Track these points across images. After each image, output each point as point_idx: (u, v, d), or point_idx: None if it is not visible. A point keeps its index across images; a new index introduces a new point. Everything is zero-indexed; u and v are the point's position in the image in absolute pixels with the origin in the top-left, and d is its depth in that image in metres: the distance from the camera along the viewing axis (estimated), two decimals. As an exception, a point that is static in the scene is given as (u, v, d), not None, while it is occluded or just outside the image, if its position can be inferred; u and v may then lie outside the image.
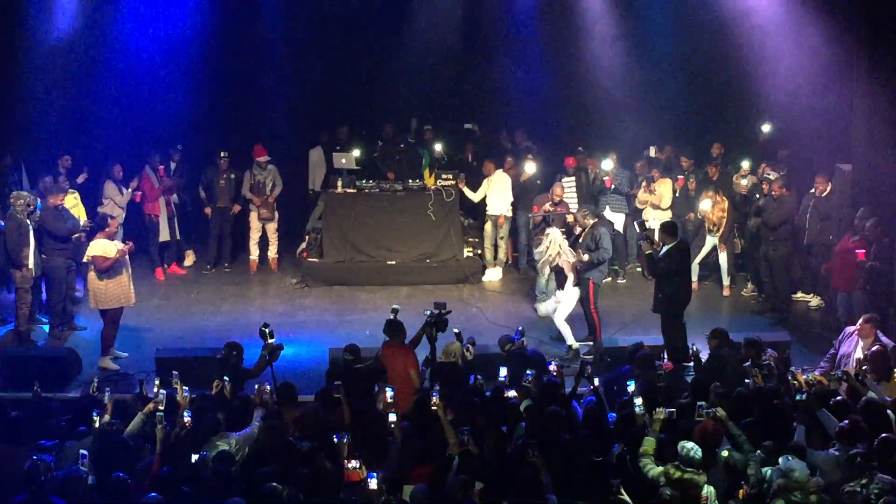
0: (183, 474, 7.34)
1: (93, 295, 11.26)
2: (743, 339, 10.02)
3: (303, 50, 16.32)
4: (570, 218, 12.74)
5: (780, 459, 7.36)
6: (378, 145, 15.68)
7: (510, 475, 7.38)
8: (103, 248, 11.13)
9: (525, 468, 7.14)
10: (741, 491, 6.95)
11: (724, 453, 7.51)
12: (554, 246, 11.70)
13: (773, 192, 12.90)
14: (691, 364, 10.13)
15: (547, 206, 13.09)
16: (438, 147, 15.49)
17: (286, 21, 15.99)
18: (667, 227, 11.21)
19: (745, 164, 14.05)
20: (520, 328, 10.44)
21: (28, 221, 11.74)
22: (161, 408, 8.06)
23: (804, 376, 9.01)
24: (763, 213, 13.02)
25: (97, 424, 8.06)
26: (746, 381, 9.04)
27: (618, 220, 14.54)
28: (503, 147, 15.69)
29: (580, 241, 11.69)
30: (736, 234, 14.02)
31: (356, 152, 15.03)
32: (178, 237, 14.78)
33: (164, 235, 14.52)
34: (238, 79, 16.24)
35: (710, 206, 13.53)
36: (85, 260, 11.29)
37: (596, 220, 11.88)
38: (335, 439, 7.45)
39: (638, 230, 14.18)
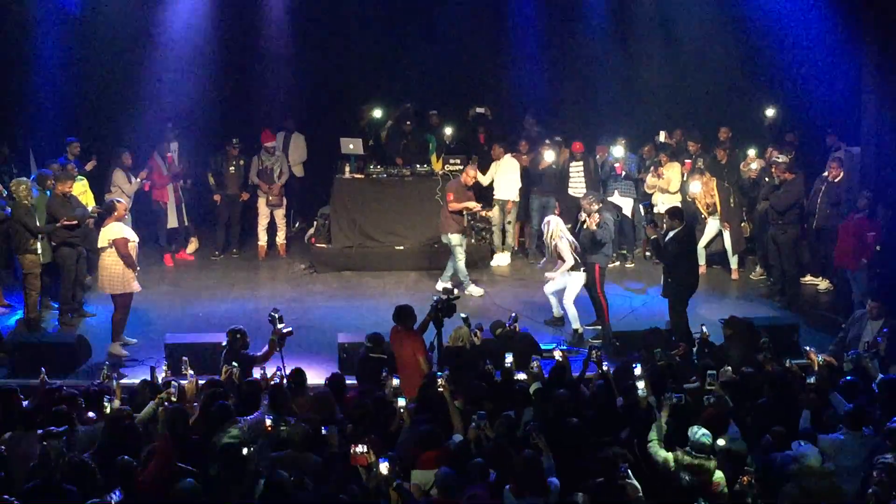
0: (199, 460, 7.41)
1: (107, 279, 11.15)
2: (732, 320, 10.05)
3: (310, 35, 16.28)
4: (488, 212, 12.85)
5: (793, 444, 7.36)
6: (385, 129, 15.68)
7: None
8: (121, 230, 11.12)
9: (527, 450, 7.14)
10: (744, 478, 6.94)
11: (721, 441, 7.49)
12: (554, 234, 11.70)
13: (778, 176, 12.86)
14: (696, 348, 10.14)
15: (470, 205, 13.18)
16: (448, 131, 15.46)
17: (294, 5, 15.96)
18: (673, 213, 11.21)
19: (752, 153, 13.94)
20: (512, 314, 10.50)
21: (32, 208, 11.76)
22: (174, 398, 8.09)
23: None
24: (771, 197, 12.98)
25: (108, 411, 8.07)
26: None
27: (626, 204, 14.51)
28: (522, 132, 15.59)
29: (584, 227, 11.67)
30: (744, 217, 14.00)
31: (378, 112, 15.05)
32: (187, 223, 14.80)
33: (172, 222, 14.54)
34: (246, 65, 16.22)
35: (699, 188, 13.49)
36: (103, 245, 11.18)
37: (601, 206, 11.86)
38: (324, 431, 7.37)
39: (643, 213, 14.22)
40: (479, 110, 16.14)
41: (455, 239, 13.20)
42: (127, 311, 11.37)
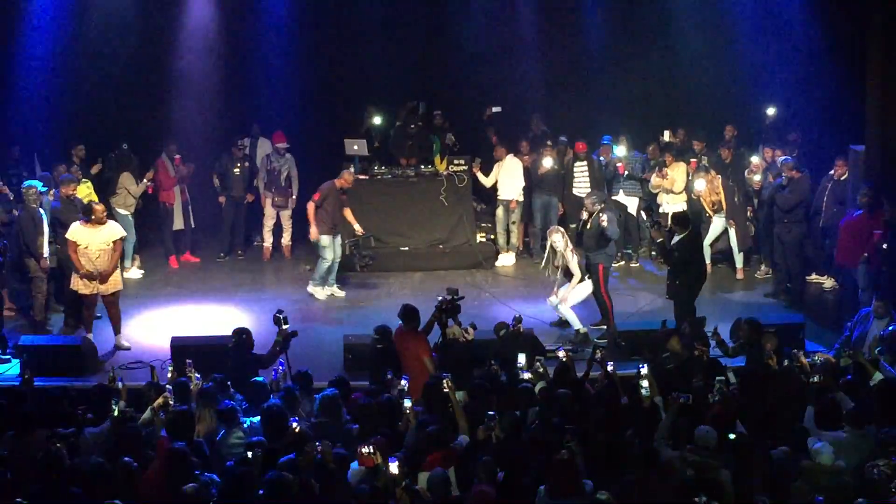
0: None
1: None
2: (745, 319, 10.03)
3: (314, 35, 16.29)
4: (360, 232, 13.23)
5: (809, 441, 7.38)
6: (391, 128, 15.66)
7: (526, 459, 7.41)
8: (75, 234, 11.21)
9: (563, 452, 7.14)
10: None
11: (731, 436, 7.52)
12: (566, 249, 11.66)
13: (785, 175, 12.82)
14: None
15: (357, 228, 13.17)
16: (451, 136, 15.45)
17: (299, 4, 15.98)
18: (678, 219, 11.22)
19: (755, 160, 13.90)
20: (516, 314, 10.48)
21: (41, 211, 11.81)
22: (171, 401, 8.10)
23: (810, 359, 9.04)
24: (777, 197, 12.92)
25: (116, 412, 8.10)
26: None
27: (631, 203, 14.50)
28: (528, 131, 15.59)
29: (587, 226, 11.67)
30: (749, 217, 13.96)
31: (378, 119, 15.08)
32: (193, 225, 14.81)
33: (178, 224, 14.54)
34: (251, 65, 16.23)
35: (703, 185, 13.46)
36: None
37: (604, 205, 11.85)
38: (317, 445, 7.29)
39: (645, 217, 14.22)
40: (496, 109, 16.08)
41: (324, 241, 13.10)
42: (88, 308, 11.46)
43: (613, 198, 14.16)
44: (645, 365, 8.74)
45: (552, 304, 11.98)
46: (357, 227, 13.33)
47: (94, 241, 11.24)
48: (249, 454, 7.24)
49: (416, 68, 16.50)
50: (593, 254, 11.64)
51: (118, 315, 11.59)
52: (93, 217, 11.24)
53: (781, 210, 12.84)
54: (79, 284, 11.33)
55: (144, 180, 13.86)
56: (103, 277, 11.28)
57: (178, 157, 14.37)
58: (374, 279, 14.05)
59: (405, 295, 13.01)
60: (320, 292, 13.25)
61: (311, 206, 13.03)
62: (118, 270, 11.63)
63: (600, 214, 11.53)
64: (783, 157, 13.05)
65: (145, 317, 12.50)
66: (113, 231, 11.48)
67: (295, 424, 7.67)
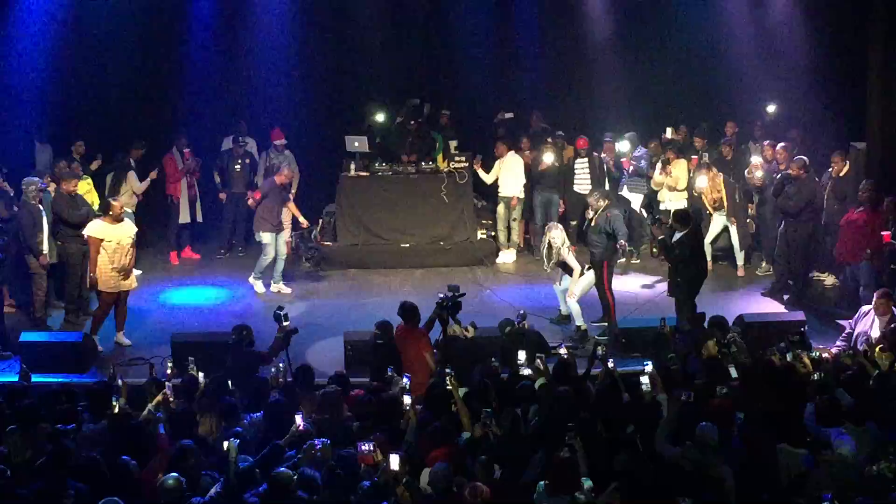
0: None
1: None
2: (708, 318, 10.09)
3: (317, 31, 16.28)
4: (303, 223, 13.34)
5: (832, 433, 7.42)
6: (392, 125, 15.66)
7: (525, 456, 7.41)
8: (97, 229, 11.16)
9: (563, 450, 7.13)
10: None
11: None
12: (563, 246, 11.64)
13: (791, 172, 12.75)
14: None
15: (302, 220, 13.35)
16: (454, 143, 15.45)
17: (302, 1, 15.98)
18: (678, 216, 11.20)
19: (755, 159, 13.87)
20: (520, 311, 10.46)
21: (41, 207, 11.80)
22: (171, 399, 8.10)
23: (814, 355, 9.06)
24: (780, 199, 12.82)
25: (116, 409, 8.10)
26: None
27: (635, 199, 14.49)
28: (529, 128, 15.58)
29: (592, 224, 11.64)
30: (750, 215, 13.94)
31: (380, 116, 15.04)
32: (200, 220, 14.77)
33: (184, 217, 14.49)
34: (253, 62, 16.22)
35: (706, 182, 13.42)
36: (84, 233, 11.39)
37: (608, 202, 11.84)
38: (317, 444, 7.29)
39: (646, 215, 14.21)
40: (508, 115, 16.05)
41: (266, 237, 13.10)
42: (108, 307, 11.37)
43: (618, 193, 14.16)
44: (650, 362, 8.74)
45: (557, 290, 11.99)
46: (302, 219, 13.49)
47: (123, 236, 11.25)
48: (225, 444, 7.22)
49: (418, 65, 16.50)
50: (597, 251, 11.62)
51: (125, 312, 11.58)
52: (111, 213, 11.25)
53: (788, 213, 12.72)
54: (108, 283, 11.23)
55: (148, 179, 13.82)
56: (126, 273, 11.29)
57: (187, 150, 14.33)
58: (375, 275, 14.06)
59: (406, 292, 13.01)
60: (260, 286, 13.29)
61: (251, 204, 13.20)
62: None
63: (606, 212, 11.53)
64: (797, 157, 12.95)
65: (145, 313, 12.48)
66: (132, 226, 11.58)
67: (299, 420, 7.66)
